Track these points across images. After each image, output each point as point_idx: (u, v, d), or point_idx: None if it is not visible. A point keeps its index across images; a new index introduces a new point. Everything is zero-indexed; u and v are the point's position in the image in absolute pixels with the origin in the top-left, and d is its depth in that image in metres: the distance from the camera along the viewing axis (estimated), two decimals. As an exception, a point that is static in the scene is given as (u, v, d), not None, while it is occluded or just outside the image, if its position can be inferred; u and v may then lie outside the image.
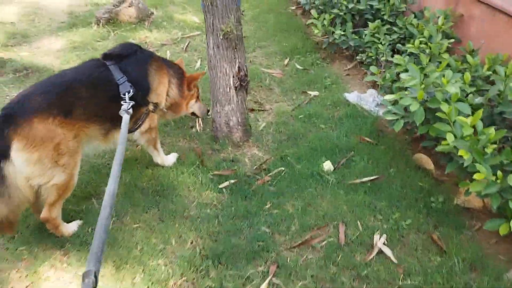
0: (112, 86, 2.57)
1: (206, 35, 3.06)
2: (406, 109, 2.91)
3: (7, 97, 4.21)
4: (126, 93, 2.52)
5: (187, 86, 3.07)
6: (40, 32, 5.55)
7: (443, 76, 2.68)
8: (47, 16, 6.06)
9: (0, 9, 6.26)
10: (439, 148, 2.50)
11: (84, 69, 2.62)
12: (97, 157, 3.30)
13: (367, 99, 3.94)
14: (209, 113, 3.42)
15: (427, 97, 2.72)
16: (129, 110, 2.38)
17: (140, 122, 2.81)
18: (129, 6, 5.50)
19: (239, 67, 3.11)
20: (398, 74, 3.42)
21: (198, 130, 3.62)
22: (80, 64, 2.76)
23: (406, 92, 2.95)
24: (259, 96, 4.03)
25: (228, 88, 3.15)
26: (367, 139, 3.35)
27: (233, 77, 3.12)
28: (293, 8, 5.90)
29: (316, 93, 3.99)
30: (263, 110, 3.83)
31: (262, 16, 5.61)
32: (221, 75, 3.11)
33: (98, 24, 5.50)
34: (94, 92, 2.53)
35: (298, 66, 4.44)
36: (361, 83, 4.26)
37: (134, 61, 2.69)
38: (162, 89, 2.85)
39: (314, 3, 4.69)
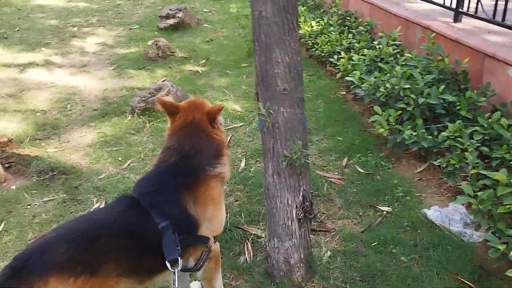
0: (150, 234, 2.00)
1: (264, 158, 2.49)
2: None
3: (28, 206, 3.72)
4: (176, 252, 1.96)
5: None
6: (71, 122, 5.18)
7: None
8: (80, 103, 5.74)
9: (33, 95, 6.02)
10: None
11: (113, 212, 2.06)
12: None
13: (451, 216, 3.23)
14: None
15: None
16: None
17: (201, 263, 2.22)
18: (167, 95, 5.09)
19: (303, 195, 2.49)
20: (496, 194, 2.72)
21: (248, 260, 2.96)
22: (111, 204, 2.24)
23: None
24: (318, 210, 3.37)
25: (289, 221, 2.52)
26: (469, 283, 2.59)
27: (296, 207, 2.49)
28: (343, 93, 5.36)
29: (388, 208, 3.30)
30: (325, 231, 3.16)
31: (311, 103, 5.08)
32: (281, 206, 2.49)
33: (132, 114, 5.09)
34: (128, 243, 1.96)
35: (360, 170, 3.80)
36: (438, 191, 3.56)
37: (167, 191, 2.09)
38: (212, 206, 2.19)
39: (374, 94, 4.12)
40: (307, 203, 2.50)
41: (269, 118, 2.28)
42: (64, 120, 5.24)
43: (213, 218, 2.20)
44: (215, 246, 2.31)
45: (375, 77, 4.17)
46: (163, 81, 5.73)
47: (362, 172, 3.76)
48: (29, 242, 3.29)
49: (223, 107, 2.31)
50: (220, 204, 2.26)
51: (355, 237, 3.06)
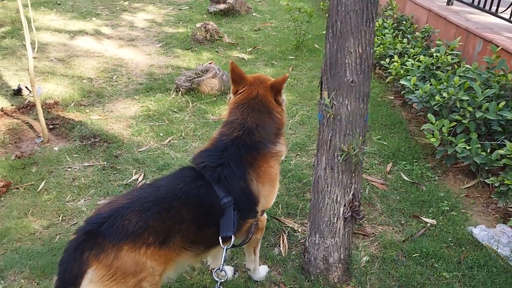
0: (214, 207, 2.00)
1: (317, 150, 2.40)
2: None
3: (69, 169, 3.76)
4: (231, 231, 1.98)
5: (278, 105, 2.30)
6: (116, 93, 5.23)
7: None
8: (126, 75, 5.78)
9: (81, 62, 6.10)
10: None
11: (181, 182, 1.99)
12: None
13: (498, 238, 3.07)
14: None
15: None
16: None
17: (251, 236, 2.25)
18: (213, 77, 5.06)
19: (353, 194, 2.40)
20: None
21: (282, 253, 2.90)
22: (174, 174, 2.14)
23: None
24: (357, 213, 3.27)
25: (335, 219, 2.44)
26: (514, 310, 2.46)
27: (345, 206, 2.41)
28: (391, 97, 5.21)
29: (432, 221, 3.17)
30: (364, 235, 3.06)
31: (357, 104, 4.94)
32: (329, 201, 2.41)
33: (177, 92, 5.09)
34: (195, 215, 1.94)
35: (405, 177, 3.67)
36: (485, 210, 3.40)
37: (233, 166, 2.06)
38: (269, 182, 2.20)
39: (427, 102, 3.97)
40: (356, 203, 2.41)
41: (331, 109, 2.20)
42: (109, 90, 5.29)
43: (269, 195, 2.21)
44: (263, 217, 2.34)
45: (431, 85, 4.01)
46: (209, 63, 5.70)
47: (407, 180, 3.63)
48: (67, 203, 3.32)
49: (287, 77, 2.24)
50: (276, 182, 2.27)
51: (395, 245, 2.95)
